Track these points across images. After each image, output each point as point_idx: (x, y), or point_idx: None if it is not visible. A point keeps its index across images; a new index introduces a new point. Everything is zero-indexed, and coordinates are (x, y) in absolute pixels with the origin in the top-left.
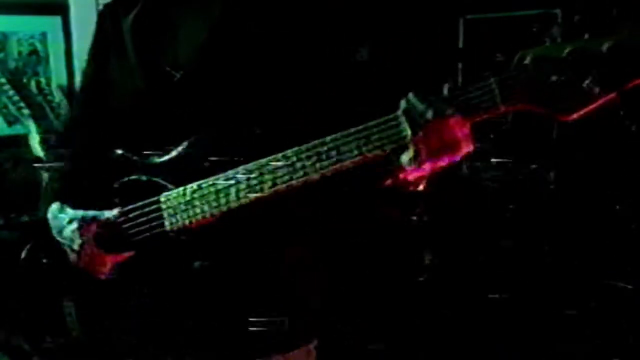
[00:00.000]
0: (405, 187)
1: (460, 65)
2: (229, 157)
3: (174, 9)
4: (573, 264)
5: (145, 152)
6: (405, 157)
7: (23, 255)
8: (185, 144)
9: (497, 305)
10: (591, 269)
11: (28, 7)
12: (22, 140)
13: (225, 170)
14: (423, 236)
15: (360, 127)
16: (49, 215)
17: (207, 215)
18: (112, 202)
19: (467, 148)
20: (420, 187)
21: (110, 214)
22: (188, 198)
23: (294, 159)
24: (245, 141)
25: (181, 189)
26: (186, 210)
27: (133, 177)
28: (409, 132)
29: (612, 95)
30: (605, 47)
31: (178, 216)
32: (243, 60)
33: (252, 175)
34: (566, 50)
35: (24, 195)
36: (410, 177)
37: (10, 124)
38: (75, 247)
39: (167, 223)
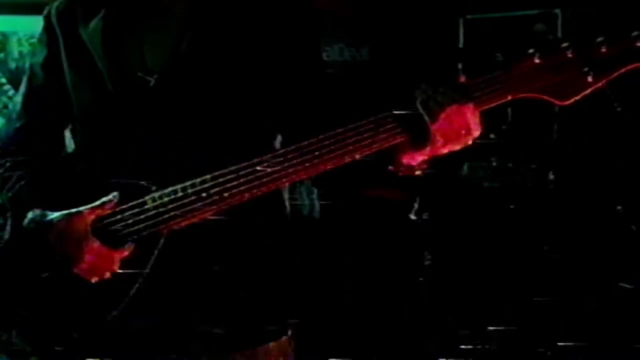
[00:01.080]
0: (409, 171)
1: (460, 65)
2: (214, 157)
3: (137, 14)
4: (573, 264)
5: (123, 155)
6: (420, 143)
7: (23, 255)
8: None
9: (496, 305)
10: (591, 269)
11: (28, 7)
12: None
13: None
14: (423, 236)
15: (379, 116)
16: (32, 225)
17: (199, 214)
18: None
19: (477, 133)
20: (419, 172)
21: (98, 211)
22: (172, 199)
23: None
24: (226, 140)
25: (167, 190)
26: (170, 211)
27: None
28: (426, 119)
29: (602, 83)
30: (598, 40)
31: (165, 216)
32: (216, 58)
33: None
34: (564, 45)
35: None
36: (414, 162)
37: None
38: (75, 249)
39: (154, 222)
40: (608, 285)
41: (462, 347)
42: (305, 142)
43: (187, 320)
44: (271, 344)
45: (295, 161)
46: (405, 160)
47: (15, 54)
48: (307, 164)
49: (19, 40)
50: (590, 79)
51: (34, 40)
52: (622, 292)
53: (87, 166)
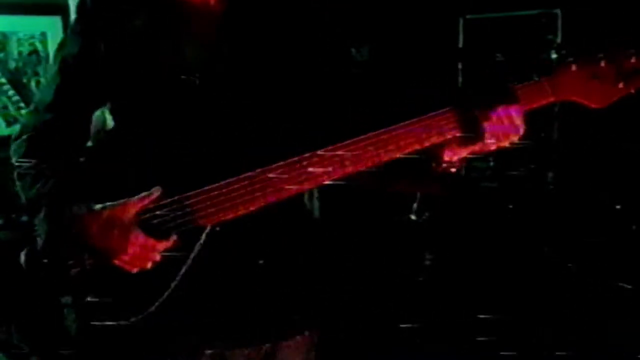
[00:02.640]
0: (448, 167)
1: (460, 65)
2: (252, 154)
3: (177, 15)
4: (573, 264)
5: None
6: (470, 140)
7: (22, 255)
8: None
9: (496, 305)
10: (591, 269)
11: (28, 7)
12: None
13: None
14: (423, 236)
15: (440, 111)
16: (75, 217)
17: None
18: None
19: (522, 131)
20: (455, 169)
21: (141, 202)
22: (210, 196)
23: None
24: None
25: (207, 188)
26: (208, 207)
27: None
28: (480, 116)
29: (632, 90)
30: (629, 52)
31: (202, 213)
32: (254, 59)
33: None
34: (600, 56)
35: None
36: (456, 158)
37: (10, 124)
38: (119, 240)
39: (194, 218)
40: (608, 285)
41: (462, 346)
42: (362, 137)
43: (214, 313)
44: (293, 340)
45: (351, 155)
46: (448, 156)
47: (15, 54)
48: (365, 158)
49: (19, 40)
50: (621, 85)
51: (34, 40)
52: (622, 292)
53: (125, 159)
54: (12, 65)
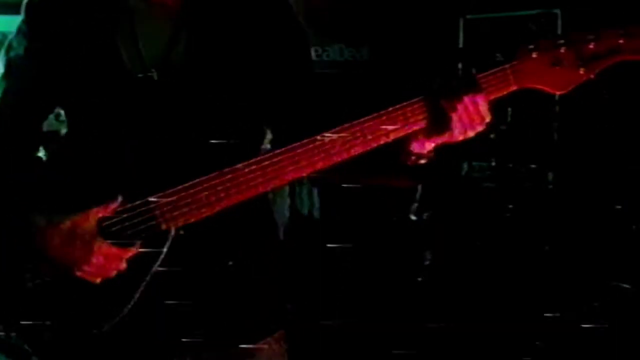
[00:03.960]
0: (417, 159)
1: (460, 65)
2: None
3: (128, 10)
4: (573, 264)
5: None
6: (438, 131)
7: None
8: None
9: (496, 305)
10: (591, 269)
11: None
12: None
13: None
14: (423, 236)
15: (397, 106)
16: (33, 230)
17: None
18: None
19: (488, 120)
20: (424, 161)
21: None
22: (173, 200)
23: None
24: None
25: (170, 191)
26: (172, 211)
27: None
28: (446, 107)
29: (593, 75)
30: (588, 37)
31: (170, 215)
32: (210, 56)
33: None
34: (559, 42)
35: None
36: (424, 150)
37: None
38: (82, 251)
39: (158, 222)
40: (608, 285)
41: (462, 346)
42: (330, 131)
43: (186, 316)
44: (266, 342)
45: (317, 151)
46: (416, 148)
47: None
48: (331, 153)
49: None
50: (582, 71)
51: None
52: (622, 292)
53: (83, 165)
54: None
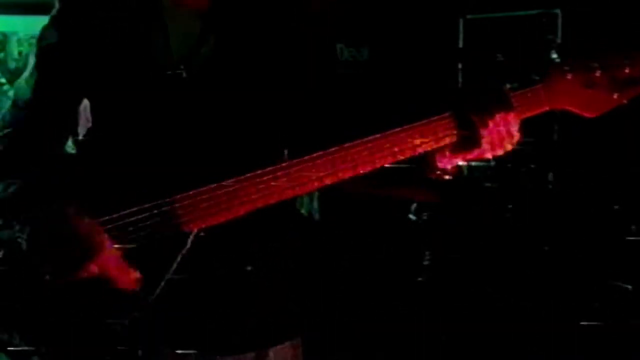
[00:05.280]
0: (441, 174)
1: (460, 65)
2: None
3: (160, 7)
4: (573, 264)
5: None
6: (467, 147)
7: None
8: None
9: (496, 305)
10: (591, 269)
11: (28, 7)
12: None
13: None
14: (423, 236)
15: (427, 120)
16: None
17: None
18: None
19: (517, 139)
20: (448, 176)
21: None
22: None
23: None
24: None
25: (193, 192)
26: (203, 209)
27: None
28: (477, 124)
29: (625, 101)
30: (624, 62)
31: (192, 216)
32: (239, 56)
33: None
34: (594, 65)
35: None
36: (450, 165)
37: None
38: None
39: (180, 222)
40: (608, 285)
41: (462, 346)
42: (356, 142)
43: (199, 320)
44: (279, 346)
45: (342, 160)
46: (442, 164)
47: (15, 54)
48: (357, 163)
49: (19, 40)
50: (616, 96)
51: (33, 40)
52: (622, 292)
53: (106, 160)
54: (12, 65)
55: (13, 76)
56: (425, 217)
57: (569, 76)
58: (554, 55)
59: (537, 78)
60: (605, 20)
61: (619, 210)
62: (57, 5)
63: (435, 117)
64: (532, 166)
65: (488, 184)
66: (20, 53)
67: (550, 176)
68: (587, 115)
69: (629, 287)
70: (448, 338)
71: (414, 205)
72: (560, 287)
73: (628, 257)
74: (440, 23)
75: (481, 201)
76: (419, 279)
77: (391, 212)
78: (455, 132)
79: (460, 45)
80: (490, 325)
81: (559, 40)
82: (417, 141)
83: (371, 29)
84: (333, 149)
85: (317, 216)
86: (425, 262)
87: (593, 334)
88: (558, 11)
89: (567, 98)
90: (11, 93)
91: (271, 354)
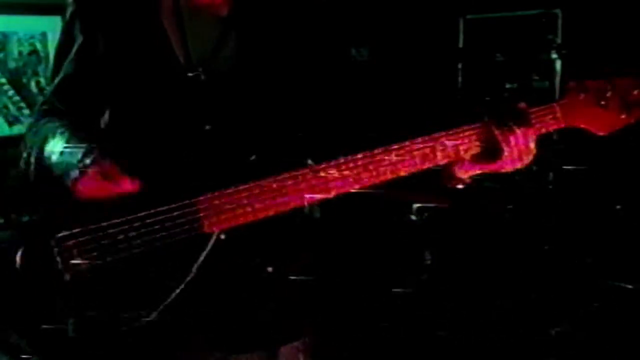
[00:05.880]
0: (457, 183)
1: (460, 65)
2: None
3: (179, 11)
4: (573, 264)
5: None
6: (489, 160)
7: (18, 257)
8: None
9: (496, 305)
10: (591, 269)
11: (28, 7)
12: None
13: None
14: (423, 236)
15: (451, 132)
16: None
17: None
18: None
19: (533, 154)
20: (462, 185)
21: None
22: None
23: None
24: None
25: (216, 194)
26: (227, 211)
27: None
28: (500, 138)
29: (632, 120)
30: (634, 84)
31: (214, 218)
32: (259, 57)
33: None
34: (607, 87)
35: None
36: (467, 175)
37: (10, 124)
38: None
39: (205, 224)
40: (608, 285)
41: (462, 346)
42: (381, 150)
43: (208, 319)
44: (289, 345)
45: (364, 167)
46: (460, 173)
47: (15, 54)
48: (379, 171)
49: (19, 40)
50: (624, 116)
51: (34, 40)
52: (622, 292)
53: (122, 158)
54: (12, 65)
55: (13, 76)
56: (425, 217)
57: (582, 96)
58: (554, 56)
59: (501, 59)
60: (605, 20)
61: (619, 210)
62: (71, 9)
63: (458, 130)
64: (532, 166)
65: (488, 184)
66: (20, 53)
67: (550, 176)
68: (598, 133)
69: (629, 287)
70: (448, 338)
71: (415, 206)
72: (560, 287)
73: (628, 257)
74: (440, 23)
75: (481, 201)
76: (419, 279)
77: (391, 212)
78: (477, 145)
79: (460, 45)
80: (490, 325)
81: (559, 40)
82: (440, 154)
83: (371, 29)
84: (357, 155)
85: (317, 216)
86: (426, 262)
87: (593, 334)
88: (558, 11)
89: (581, 117)
90: (11, 93)
91: (281, 352)
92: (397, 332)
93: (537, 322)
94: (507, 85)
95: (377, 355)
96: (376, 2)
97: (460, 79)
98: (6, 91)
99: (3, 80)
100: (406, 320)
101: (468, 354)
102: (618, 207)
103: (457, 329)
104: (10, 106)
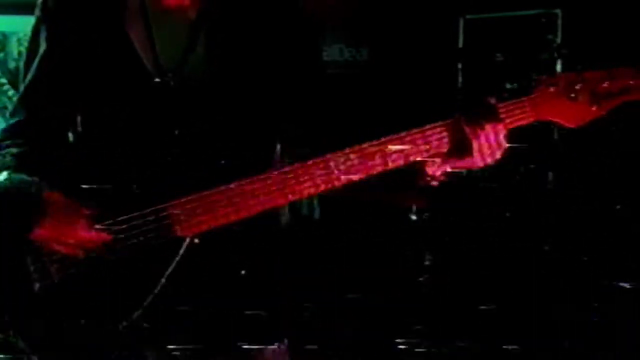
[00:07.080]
0: (430, 181)
1: (460, 65)
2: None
3: (143, 13)
4: (573, 264)
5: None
6: (459, 156)
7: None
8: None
9: (497, 305)
10: (591, 269)
11: (28, 7)
12: None
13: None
14: (423, 236)
15: (419, 129)
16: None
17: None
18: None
19: (504, 149)
20: (436, 183)
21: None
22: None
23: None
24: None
25: (187, 198)
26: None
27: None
28: (470, 135)
29: (604, 112)
30: (602, 76)
31: (186, 223)
32: (227, 60)
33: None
34: (577, 79)
35: None
36: (438, 173)
37: None
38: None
39: (177, 229)
40: (608, 285)
41: (462, 346)
42: (351, 149)
43: (184, 320)
44: (268, 347)
45: (335, 168)
46: (432, 171)
47: (15, 54)
48: (350, 171)
49: (19, 40)
50: (594, 108)
51: None
52: (622, 292)
53: (92, 165)
54: (12, 65)
55: (13, 76)
56: (425, 217)
57: (552, 89)
58: (554, 56)
59: (500, 58)
60: (605, 20)
61: (619, 210)
62: (38, 13)
63: (428, 127)
64: (532, 166)
65: (488, 184)
66: (20, 53)
67: (550, 176)
68: (568, 125)
69: (629, 287)
70: (448, 338)
71: (414, 205)
72: (560, 287)
73: (628, 257)
74: (440, 23)
75: (481, 201)
76: (420, 279)
77: (391, 211)
78: (447, 141)
79: (460, 45)
80: (490, 324)
81: (559, 40)
82: (410, 150)
83: (371, 29)
84: (327, 155)
85: (317, 216)
86: (426, 262)
87: (593, 333)
88: (558, 11)
89: (551, 110)
90: (11, 93)
91: (258, 354)
92: (397, 332)
93: (537, 322)
94: (507, 85)
95: (370, 355)
96: (376, 2)
97: (460, 79)
98: (6, 91)
99: (3, 80)
100: (406, 320)
101: (468, 354)
102: (618, 207)
103: (457, 328)
104: (10, 106)
